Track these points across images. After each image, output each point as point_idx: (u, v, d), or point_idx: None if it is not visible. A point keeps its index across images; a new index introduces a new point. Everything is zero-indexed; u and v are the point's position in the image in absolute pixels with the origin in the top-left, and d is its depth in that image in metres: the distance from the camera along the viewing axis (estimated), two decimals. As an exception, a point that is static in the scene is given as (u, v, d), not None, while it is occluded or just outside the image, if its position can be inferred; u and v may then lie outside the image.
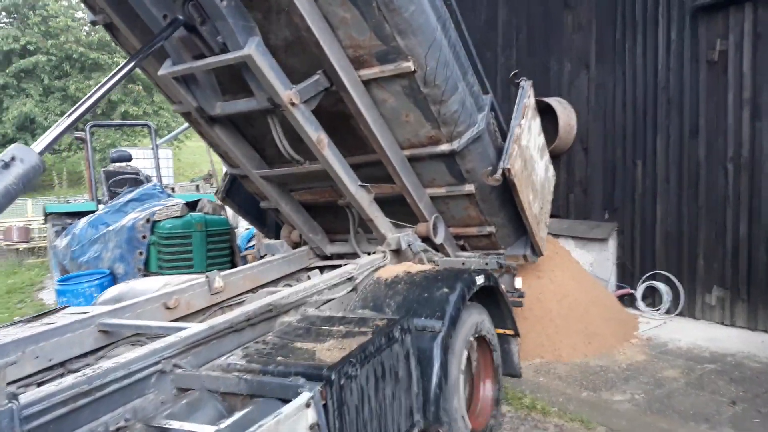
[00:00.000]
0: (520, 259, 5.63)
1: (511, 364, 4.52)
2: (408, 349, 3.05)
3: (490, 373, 4.17)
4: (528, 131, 5.17)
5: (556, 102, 8.42)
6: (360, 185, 4.65)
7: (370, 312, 3.59)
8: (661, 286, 7.66)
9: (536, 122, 5.43)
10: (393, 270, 4.03)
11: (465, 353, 3.66)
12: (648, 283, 7.80)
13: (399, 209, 5.04)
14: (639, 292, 7.88)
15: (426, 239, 5.00)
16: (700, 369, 5.83)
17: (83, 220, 9.19)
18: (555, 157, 8.34)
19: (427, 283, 3.69)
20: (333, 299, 3.89)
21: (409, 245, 4.73)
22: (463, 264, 4.99)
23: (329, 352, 2.76)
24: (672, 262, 7.63)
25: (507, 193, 5.06)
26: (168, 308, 3.97)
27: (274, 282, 4.98)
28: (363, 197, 4.69)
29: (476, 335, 3.84)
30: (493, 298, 4.25)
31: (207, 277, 4.35)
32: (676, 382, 5.51)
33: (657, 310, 7.68)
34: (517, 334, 4.40)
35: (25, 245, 17.60)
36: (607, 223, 8.24)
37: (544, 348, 6.18)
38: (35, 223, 18.45)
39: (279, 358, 2.58)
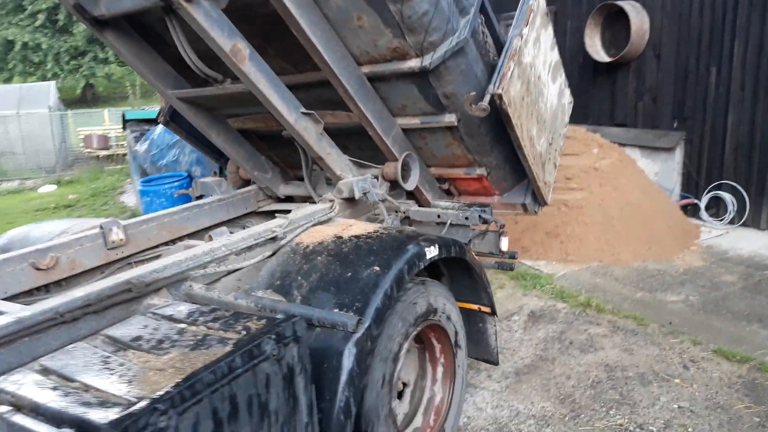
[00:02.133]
0: (518, 209, 4.23)
1: (486, 347, 3.35)
2: (292, 366, 2.09)
3: (450, 373, 3.04)
4: (534, 45, 3.87)
5: (629, 5, 7.74)
6: (303, 113, 3.57)
7: (271, 297, 2.46)
8: (726, 197, 7.27)
9: (548, 32, 3.84)
10: (320, 232, 2.80)
11: (401, 356, 2.54)
12: (713, 193, 7.42)
13: (367, 144, 3.97)
14: (703, 203, 7.53)
15: (397, 184, 3.74)
16: (759, 275, 5.67)
17: (160, 126, 8.91)
18: (624, 64, 8.11)
19: (355, 256, 2.53)
20: (238, 270, 2.74)
21: (364, 193, 3.47)
22: (438, 217, 3.72)
23: (157, 375, 1.88)
24: (740, 173, 7.20)
25: (501, 125, 3.61)
26: (39, 269, 3.11)
27: (206, 231, 4.07)
28: (308, 129, 3.56)
29: (428, 325, 2.76)
30: (464, 266, 3.11)
31: (101, 227, 3.48)
32: (733, 287, 5.40)
33: (720, 220, 7.36)
34: (493, 312, 3.26)
35: (104, 152, 17.43)
36: (674, 132, 7.70)
37: (603, 252, 6.13)
38: (112, 132, 18.13)
39: (60, 392, 1.61)
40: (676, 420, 3.51)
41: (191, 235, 3.66)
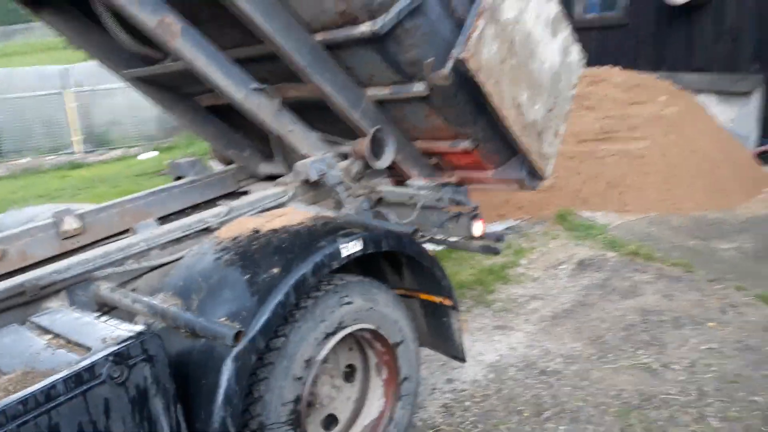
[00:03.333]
0: (514, 185, 3.71)
1: (451, 343, 2.91)
2: (144, 388, 1.65)
3: (392, 383, 2.65)
4: None
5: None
6: (255, 89, 3.27)
7: (168, 301, 2.16)
8: None
9: None
10: (240, 225, 2.46)
11: (313, 370, 2.21)
12: None
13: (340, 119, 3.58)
14: None
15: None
16: None
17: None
18: (700, 6, 7.54)
19: (261, 255, 2.21)
20: (157, 267, 2.45)
21: (321, 175, 3.04)
22: (411, 198, 3.23)
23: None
24: None
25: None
26: (-15, 262, 3.07)
27: (179, 214, 3.89)
28: (261, 105, 3.08)
29: (355, 330, 2.39)
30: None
31: (54, 216, 3.38)
32: None
33: None
34: (454, 307, 2.83)
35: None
36: (753, 76, 7.07)
37: (663, 202, 5.86)
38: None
39: None
40: (702, 360, 3.35)
41: (162, 220, 3.54)
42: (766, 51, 6.95)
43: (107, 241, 3.25)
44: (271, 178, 3.68)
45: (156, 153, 12.27)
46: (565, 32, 3.47)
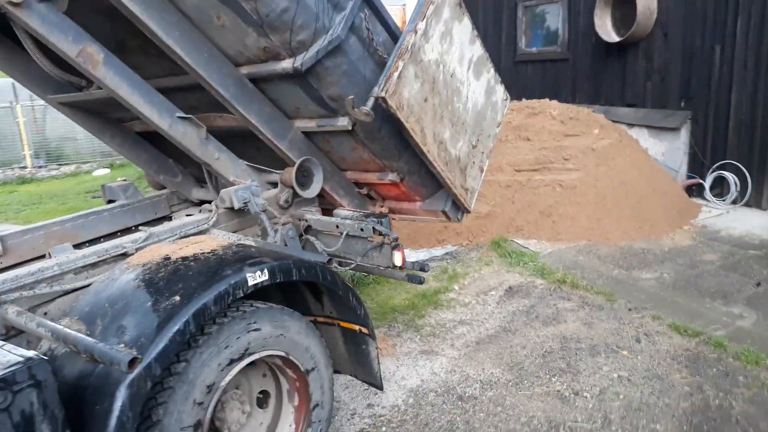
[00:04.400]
0: (440, 216, 3.79)
1: (369, 370, 2.97)
2: (30, 414, 1.66)
3: (303, 410, 2.68)
4: (442, 39, 3.16)
5: (635, -14, 7.26)
6: (180, 117, 3.35)
7: (72, 326, 2.18)
8: (730, 176, 6.97)
9: (463, 24, 3.34)
10: (153, 252, 2.50)
11: (215, 397, 2.23)
12: (717, 173, 7.11)
13: (268, 148, 3.66)
14: (708, 182, 7.21)
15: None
16: (742, 254, 5.51)
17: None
18: (634, 44, 7.82)
19: (165, 282, 2.23)
20: (70, 291, 2.44)
21: (244, 202, 3.10)
22: (337, 227, 3.27)
23: None
24: (743, 152, 6.88)
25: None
26: None
27: (108, 237, 3.89)
28: (187, 134, 2.96)
29: (263, 357, 2.43)
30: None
31: None
32: (711, 265, 5.28)
33: (724, 200, 7.09)
34: (370, 334, 2.89)
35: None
36: (681, 112, 7.40)
37: (593, 232, 6.00)
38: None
39: None
40: (611, 388, 3.46)
41: (91, 244, 3.53)
42: (693, 89, 7.23)
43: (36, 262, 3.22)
44: (206, 203, 3.72)
45: (108, 171, 12.07)
46: (489, 73, 3.63)
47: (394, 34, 3.15)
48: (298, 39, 2.78)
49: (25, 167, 12.43)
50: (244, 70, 3.03)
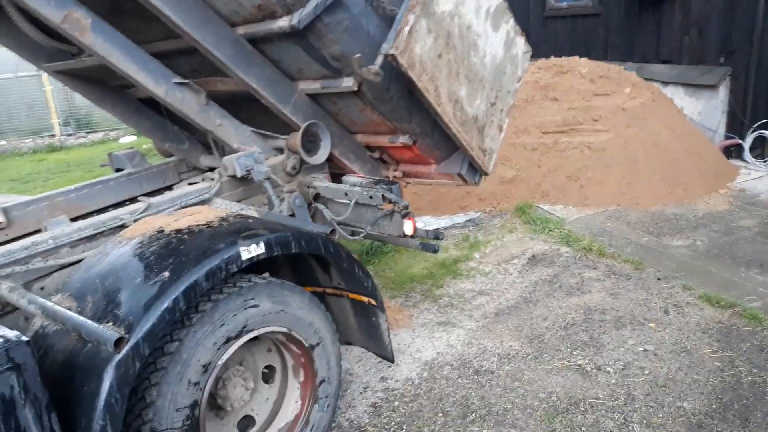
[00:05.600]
0: (456, 179, 3.59)
1: (380, 343, 2.86)
2: (10, 397, 1.59)
3: (309, 385, 2.59)
4: None
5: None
6: (177, 83, 2.90)
7: (62, 302, 2.08)
8: None
9: None
10: (147, 224, 2.36)
11: (212, 376, 2.14)
12: (758, 132, 6.78)
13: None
14: (747, 143, 6.83)
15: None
16: None
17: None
18: None
19: (156, 257, 2.11)
20: (67, 266, 2.35)
21: (247, 170, 2.94)
22: (346, 195, 3.10)
23: None
24: None
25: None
26: None
27: (115, 207, 3.77)
28: (185, 100, 2.86)
29: (265, 333, 2.34)
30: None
31: None
32: (748, 231, 5.00)
33: (764, 161, 6.71)
34: (379, 306, 2.77)
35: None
36: (719, 68, 6.91)
37: (622, 196, 5.74)
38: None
39: None
40: (636, 362, 3.28)
41: (98, 213, 3.44)
42: (732, 43, 6.81)
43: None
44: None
45: (135, 138, 12.08)
46: (509, 24, 3.35)
47: (404, -18, 2.87)
48: (293, -6, 2.55)
49: (54, 135, 12.50)
50: (241, 30, 2.84)
